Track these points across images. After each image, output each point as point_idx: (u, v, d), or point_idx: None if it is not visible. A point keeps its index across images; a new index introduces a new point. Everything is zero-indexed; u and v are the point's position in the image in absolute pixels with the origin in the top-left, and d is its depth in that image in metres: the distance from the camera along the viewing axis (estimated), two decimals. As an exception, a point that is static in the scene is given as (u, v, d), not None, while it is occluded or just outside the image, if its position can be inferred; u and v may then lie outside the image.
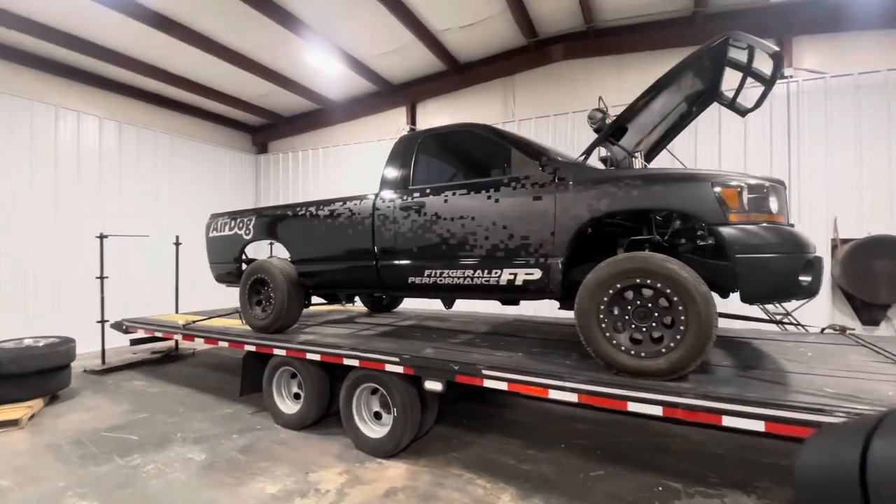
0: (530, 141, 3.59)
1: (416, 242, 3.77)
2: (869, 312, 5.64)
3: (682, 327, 2.67)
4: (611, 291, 2.87)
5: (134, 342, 6.51)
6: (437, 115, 9.34)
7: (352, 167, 10.01)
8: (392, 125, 9.85)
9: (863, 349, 3.66)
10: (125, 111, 9.04)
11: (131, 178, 8.75)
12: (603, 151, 3.68)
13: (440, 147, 4.04)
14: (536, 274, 3.23)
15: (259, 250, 6.92)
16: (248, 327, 5.15)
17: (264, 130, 11.54)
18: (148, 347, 7.49)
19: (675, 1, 6.77)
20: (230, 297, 11.18)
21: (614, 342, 2.86)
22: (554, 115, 7.84)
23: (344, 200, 4.33)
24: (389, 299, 6.45)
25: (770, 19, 6.57)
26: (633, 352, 2.80)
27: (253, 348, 4.64)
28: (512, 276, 3.33)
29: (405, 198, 3.89)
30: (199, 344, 7.38)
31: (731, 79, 3.91)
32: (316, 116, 10.68)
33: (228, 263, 5.23)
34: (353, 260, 4.19)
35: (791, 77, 6.43)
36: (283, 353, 4.38)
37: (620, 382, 2.78)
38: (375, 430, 3.91)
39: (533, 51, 8.09)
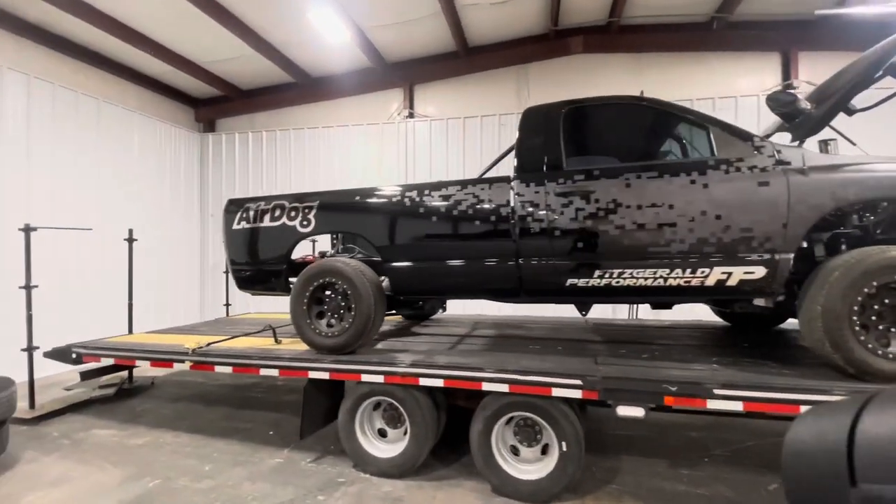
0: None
1: (583, 236, 3.09)
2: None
3: None
4: (865, 290, 2.55)
5: (86, 375, 4.71)
6: (439, 100, 8.53)
7: (335, 153, 8.71)
8: (383, 108, 8.79)
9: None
10: (36, 61, 6.69)
11: (42, 150, 6.46)
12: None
13: (590, 122, 3.41)
14: (759, 272, 2.80)
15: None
16: (289, 348, 3.97)
17: (212, 104, 9.54)
18: (82, 381, 5.51)
19: (700, 5, 6.93)
20: (204, 311, 9.15)
21: (870, 346, 2.55)
22: (574, 109, 7.57)
23: (463, 184, 3.46)
24: (430, 305, 5.55)
25: (778, 33, 7.06)
26: (891, 354, 2.51)
27: (325, 375, 3.51)
28: (725, 276, 2.85)
29: (561, 181, 3.18)
30: (157, 371, 5.72)
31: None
32: (284, 92, 9.11)
33: (269, 264, 3.94)
34: (482, 259, 3.34)
35: (797, 88, 6.97)
36: (378, 379, 3.36)
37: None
38: (525, 470, 3.14)
39: (551, 40, 7.76)
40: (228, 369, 3.84)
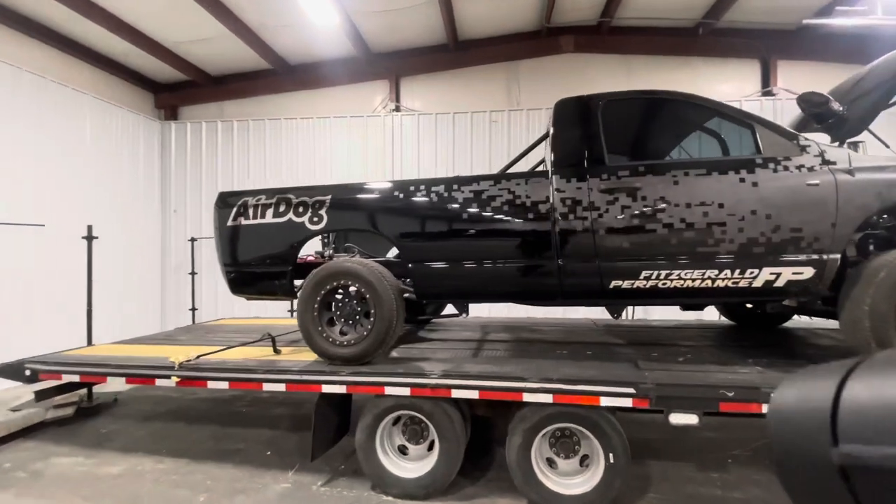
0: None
1: (629, 236, 2.94)
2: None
3: None
4: (910, 290, 2.56)
5: (41, 394, 4.06)
6: (426, 94, 8.23)
7: (316, 146, 8.21)
8: (367, 100, 8.38)
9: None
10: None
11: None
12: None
13: (627, 116, 3.28)
14: (807, 272, 2.75)
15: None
16: (290, 358, 3.58)
17: (176, 90, 8.73)
18: (37, 401, 4.78)
19: (688, 10, 7.07)
20: (165, 317, 8.33)
21: None
22: (565, 108, 7.50)
23: (496, 179, 3.22)
24: (434, 307, 5.26)
25: (759, 41, 7.34)
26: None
27: (342, 389, 3.16)
28: (773, 276, 2.79)
29: (605, 177, 3.02)
30: (120, 386, 5.10)
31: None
32: (259, 79, 8.48)
33: (271, 265, 3.52)
34: (518, 260, 3.12)
35: (776, 96, 7.28)
36: (404, 391, 3.06)
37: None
38: (567, 485, 2.95)
39: (543, 38, 7.68)
40: (224, 384, 3.39)
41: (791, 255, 2.76)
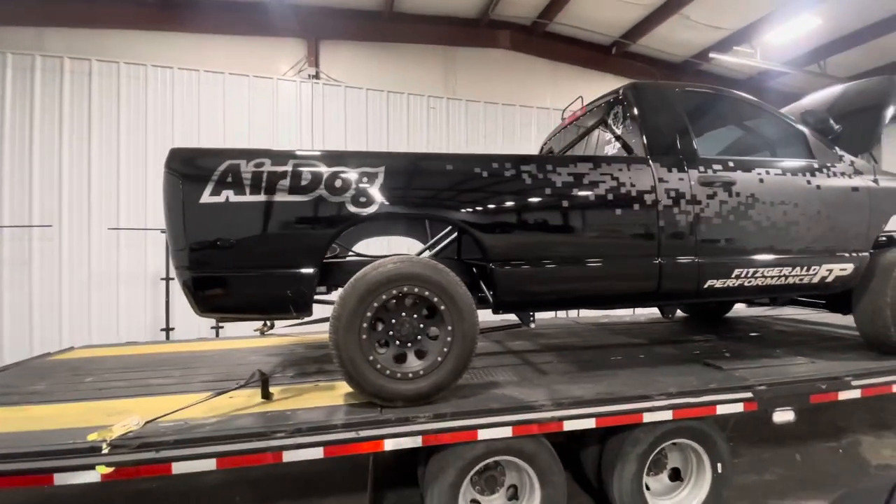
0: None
1: (724, 232, 2.82)
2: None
3: None
4: (918, 282, 3.07)
5: None
6: (351, 64, 7.09)
7: (204, 109, 6.25)
8: (273, 60, 6.80)
9: None
10: None
11: None
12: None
13: (700, 111, 3.15)
14: (849, 269, 3.06)
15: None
16: (291, 406, 2.45)
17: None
18: None
19: (611, 28, 7.68)
20: None
21: None
22: (502, 105, 7.38)
23: (595, 162, 2.72)
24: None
25: (655, 68, 8.47)
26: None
27: (416, 441, 2.26)
28: (827, 273, 3.02)
29: (703, 169, 2.84)
30: None
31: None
32: (111, 6, 6.04)
33: (284, 267, 2.30)
34: (621, 256, 2.71)
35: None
36: (504, 433, 2.34)
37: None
38: (675, 506, 2.69)
39: (482, 28, 7.37)
40: (209, 464, 2.08)
41: (840, 252, 3.04)
